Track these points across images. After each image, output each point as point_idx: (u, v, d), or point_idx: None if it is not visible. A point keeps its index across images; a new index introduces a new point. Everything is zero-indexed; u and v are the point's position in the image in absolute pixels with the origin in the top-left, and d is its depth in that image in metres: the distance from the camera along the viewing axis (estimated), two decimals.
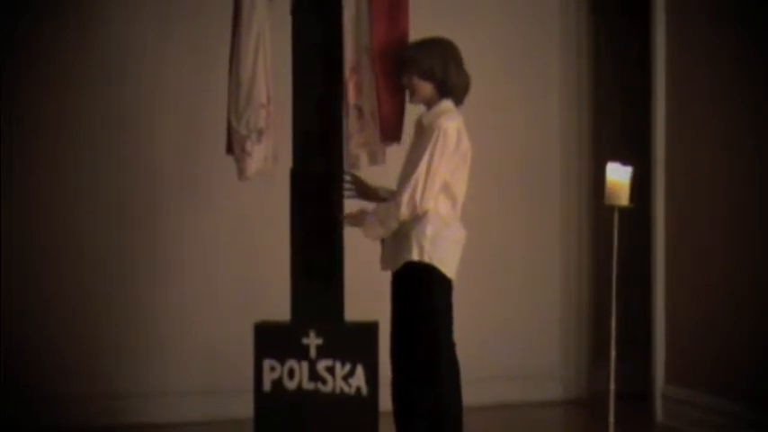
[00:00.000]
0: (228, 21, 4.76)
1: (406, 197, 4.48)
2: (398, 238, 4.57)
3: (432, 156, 4.47)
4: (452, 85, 4.60)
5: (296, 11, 4.77)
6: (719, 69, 5.72)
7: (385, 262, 4.72)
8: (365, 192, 4.81)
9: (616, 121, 6.63)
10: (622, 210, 5.15)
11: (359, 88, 4.72)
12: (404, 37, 4.71)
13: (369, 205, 4.72)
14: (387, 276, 4.75)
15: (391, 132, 4.72)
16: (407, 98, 4.70)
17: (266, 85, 4.71)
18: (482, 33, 6.22)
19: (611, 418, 5.19)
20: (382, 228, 4.56)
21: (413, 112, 4.72)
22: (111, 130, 5.91)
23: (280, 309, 4.85)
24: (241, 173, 4.77)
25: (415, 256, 4.52)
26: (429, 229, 4.51)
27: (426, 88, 4.60)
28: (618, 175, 5.11)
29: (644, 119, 6.20)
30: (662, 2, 5.97)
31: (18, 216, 5.78)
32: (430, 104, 4.63)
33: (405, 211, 4.48)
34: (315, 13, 4.75)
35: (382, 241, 4.74)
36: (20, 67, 5.78)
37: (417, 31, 4.84)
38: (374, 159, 4.82)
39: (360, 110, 4.74)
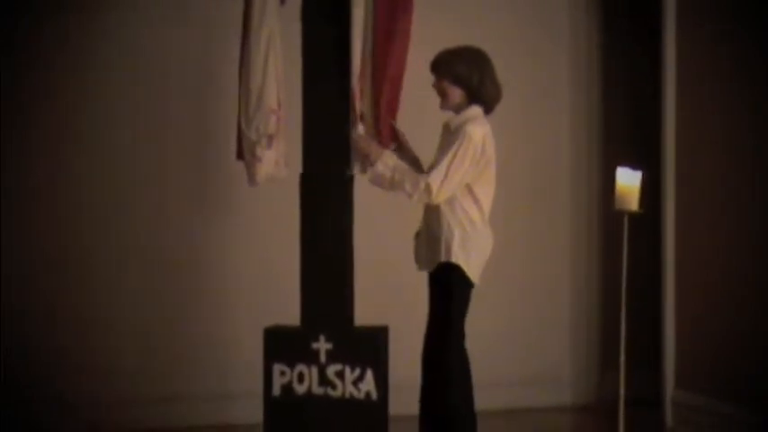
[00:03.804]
0: (239, 24, 4.77)
1: (435, 183, 4.53)
2: (432, 240, 4.69)
3: (455, 155, 4.55)
4: (485, 95, 4.68)
5: (306, 16, 4.78)
6: (730, 72, 5.71)
7: (420, 263, 4.83)
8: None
9: (626, 125, 6.63)
10: (632, 215, 5.14)
11: (362, 94, 4.73)
12: (405, 43, 4.71)
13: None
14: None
15: (384, 138, 4.74)
16: (440, 102, 4.73)
17: (276, 90, 4.71)
18: (489, 37, 6.18)
19: (621, 424, 5.19)
20: (389, 184, 4.62)
21: (437, 115, 4.73)
22: (115, 132, 5.90)
23: (290, 313, 4.86)
24: (251, 178, 4.78)
25: (443, 258, 4.63)
26: (457, 232, 4.62)
27: (456, 94, 4.68)
28: (628, 180, 5.11)
29: (654, 122, 6.19)
30: (672, 5, 5.97)
31: (20, 216, 5.77)
32: (458, 110, 4.70)
33: (423, 196, 4.57)
34: (324, 18, 4.76)
35: (416, 241, 4.84)
36: (21, 69, 5.78)
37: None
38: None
39: (362, 115, 4.76)
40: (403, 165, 4.64)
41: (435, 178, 4.54)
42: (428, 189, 4.55)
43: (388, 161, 4.63)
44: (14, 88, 5.76)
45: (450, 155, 4.55)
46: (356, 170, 4.77)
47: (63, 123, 5.85)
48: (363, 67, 4.72)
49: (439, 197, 4.58)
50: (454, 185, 4.58)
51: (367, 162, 4.68)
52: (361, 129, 4.76)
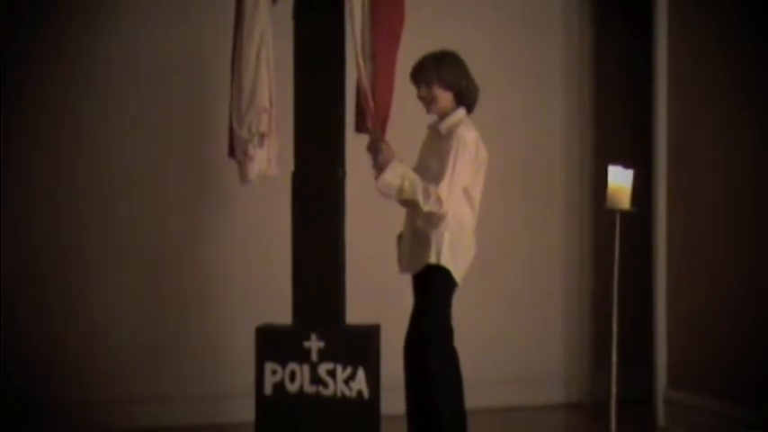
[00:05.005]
0: (231, 23, 4.77)
1: (444, 194, 4.56)
2: (418, 241, 4.70)
3: (455, 162, 4.58)
4: (469, 95, 4.74)
5: (298, 14, 4.78)
6: (722, 70, 5.72)
7: (403, 265, 4.83)
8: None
9: (618, 123, 6.62)
10: (624, 213, 5.15)
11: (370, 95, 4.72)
12: (398, 42, 4.70)
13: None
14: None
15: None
16: (428, 109, 4.77)
17: (269, 88, 4.71)
18: (483, 36, 6.23)
19: (613, 423, 5.19)
20: (397, 192, 4.60)
21: (417, 117, 4.73)
22: (113, 132, 5.90)
23: (282, 312, 4.85)
24: (243, 177, 4.78)
25: (432, 260, 4.63)
26: (447, 235, 4.64)
27: (447, 99, 4.72)
28: (619, 179, 5.12)
29: (646, 120, 6.19)
30: (664, 2, 5.97)
31: (19, 216, 5.76)
32: (444, 114, 4.71)
33: (433, 206, 4.57)
34: (316, 16, 4.75)
35: (399, 244, 4.85)
36: (20, 69, 5.76)
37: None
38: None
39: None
40: (412, 173, 4.63)
41: (443, 189, 4.57)
42: (438, 200, 4.57)
43: (396, 169, 4.60)
44: (14, 88, 5.75)
45: (450, 164, 4.58)
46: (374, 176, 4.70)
47: (61, 123, 5.84)
48: (364, 68, 4.69)
49: (448, 206, 4.60)
50: (458, 191, 4.62)
51: (375, 168, 4.64)
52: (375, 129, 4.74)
